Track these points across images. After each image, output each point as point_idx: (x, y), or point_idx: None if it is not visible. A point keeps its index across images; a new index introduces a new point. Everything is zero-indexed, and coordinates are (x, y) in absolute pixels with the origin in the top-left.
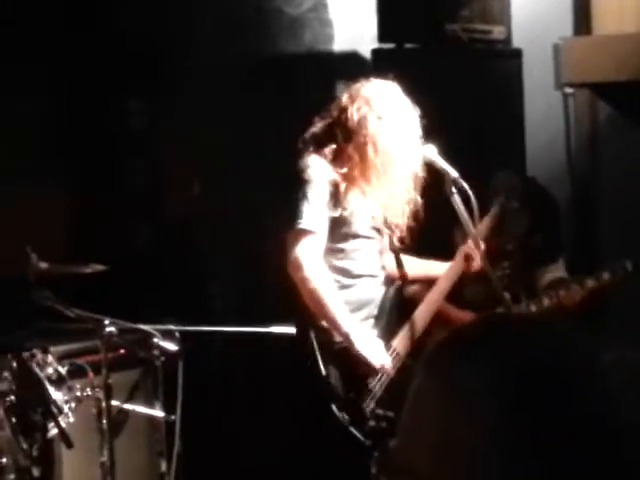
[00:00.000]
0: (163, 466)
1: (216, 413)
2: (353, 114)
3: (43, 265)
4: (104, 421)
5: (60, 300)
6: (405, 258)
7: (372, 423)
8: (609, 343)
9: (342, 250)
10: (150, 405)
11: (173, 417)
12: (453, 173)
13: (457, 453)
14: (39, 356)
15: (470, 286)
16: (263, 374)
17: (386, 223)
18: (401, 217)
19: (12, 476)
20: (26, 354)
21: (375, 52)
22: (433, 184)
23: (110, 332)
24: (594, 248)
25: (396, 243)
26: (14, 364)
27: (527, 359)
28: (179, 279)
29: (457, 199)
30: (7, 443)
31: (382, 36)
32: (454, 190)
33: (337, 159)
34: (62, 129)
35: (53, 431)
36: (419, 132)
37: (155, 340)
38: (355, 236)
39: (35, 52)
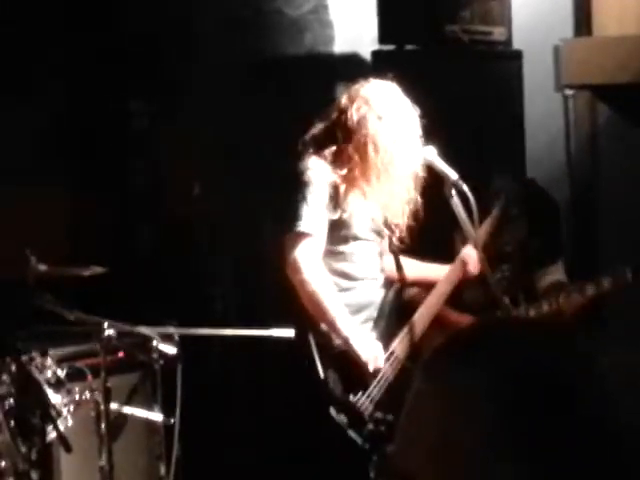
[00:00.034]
0: (162, 469)
1: (215, 416)
2: (353, 114)
3: (42, 267)
4: (103, 424)
5: (59, 303)
6: (404, 260)
7: (371, 426)
8: (608, 346)
9: (342, 253)
10: (149, 408)
11: (172, 420)
12: (453, 175)
13: (456, 455)
14: (38, 359)
15: (469, 289)
16: (262, 377)
17: (386, 223)
18: (401, 217)
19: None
20: (25, 357)
21: (375, 54)
22: (433, 185)
23: (109, 335)
24: (594, 250)
25: (396, 243)
26: (13, 367)
27: (525, 362)
28: (178, 280)
29: (457, 202)
30: (6, 447)
31: (382, 38)
32: (454, 193)
33: (337, 160)
34: (62, 129)
35: (52, 435)
36: (419, 131)
37: (154, 343)
38: (355, 239)
39: (35, 52)
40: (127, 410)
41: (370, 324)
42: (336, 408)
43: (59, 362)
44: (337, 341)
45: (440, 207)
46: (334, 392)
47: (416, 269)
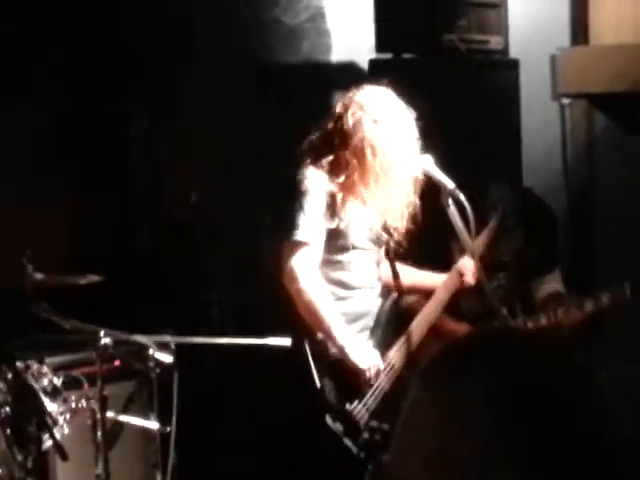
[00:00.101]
0: (158, 478)
1: (211, 425)
2: (348, 119)
3: (39, 276)
4: (99, 433)
5: (56, 311)
6: (401, 268)
7: (366, 435)
8: (606, 360)
9: (339, 262)
10: (145, 417)
11: (168, 429)
12: (450, 184)
13: (453, 464)
14: (34, 367)
15: (466, 298)
16: (258, 385)
17: (385, 228)
18: (400, 220)
19: None
20: (21, 365)
21: (372, 62)
22: (430, 194)
23: (105, 344)
24: (591, 258)
25: (394, 247)
26: (9, 375)
27: (523, 373)
28: (177, 282)
29: (454, 211)
30: (2, 455)
31: (379, 46)
32: (450, 202)
33: (335, 169)
34: (62, 129)
35: (48, 443)
36: (416, 134)
37: (150, 352)
38: (352, 248)
39: (35, 52)
40: (123, 418)
41: (367, 333)
42: (332, 417)
43: (55, 370)
44: (333, 350)
45: (437, 216)
46: (330, 400)
47: (413, 277)
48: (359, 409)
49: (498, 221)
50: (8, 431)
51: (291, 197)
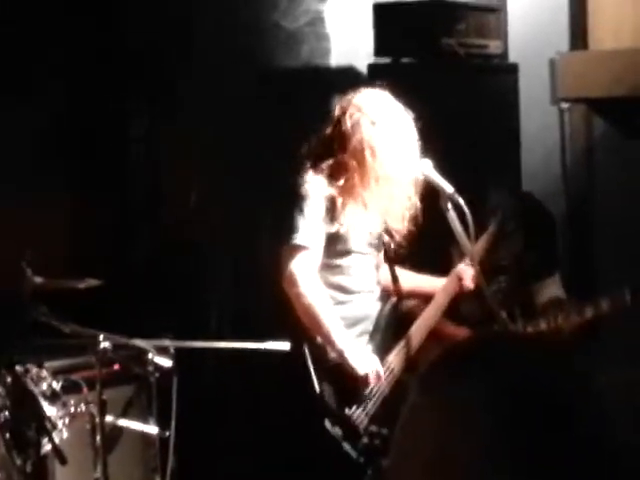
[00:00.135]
0: None
1: (210, 429)
2: (346, 121)
3: (38, 280)
4: (98, 437)
5: (55, 315)
6: (401, 272)
7: (365, 440)
8: (606, 365)
9: (338, 266)
10: (144, 421)
11: (167, 433)
12: (449, 189)
13: (453, 468)
14: (33, 371)
15: (466, 302)
16: (257, 389)
17: (386, 229)
18: (401, 222)
19: None
20: (20, 369)
21: (371, 67)
22: (429, 199)
23: (104, 348)
24: (590, 263)
25: (394, 250)
26: (8, 379)
27: (523, 378)
28: (175, 287)
29: (453, 215)
30: (1, 459)
31: (378, 50)
32: (450, 206)
33: (335, 172)
34: (62, 129)
35: (47, 447)
36: (416, 135)
37: (149, 356)
38: (351, 252)
39: (35, 52)
40: (122, 423)
41: (366, 337)
42: (331, 421)
43: (54, 374)
44: (332, 354)
45: (436, 220)
46: (329, 405)
47: (412, 281)
48: (358, 414)
49: (497, 225)
50: (7, 435)
51: (291, 201)
